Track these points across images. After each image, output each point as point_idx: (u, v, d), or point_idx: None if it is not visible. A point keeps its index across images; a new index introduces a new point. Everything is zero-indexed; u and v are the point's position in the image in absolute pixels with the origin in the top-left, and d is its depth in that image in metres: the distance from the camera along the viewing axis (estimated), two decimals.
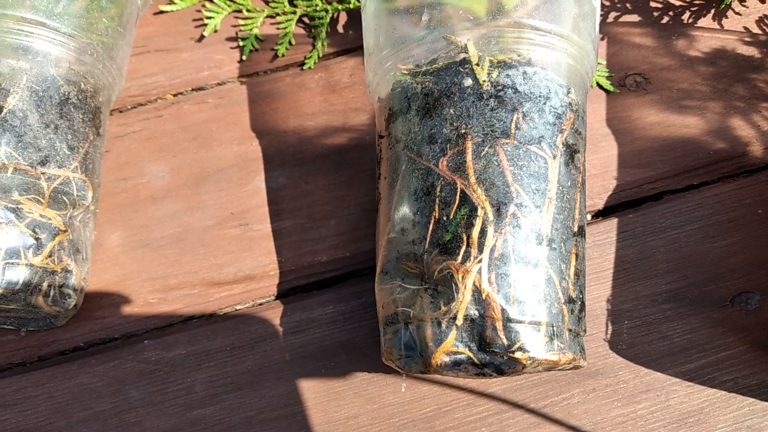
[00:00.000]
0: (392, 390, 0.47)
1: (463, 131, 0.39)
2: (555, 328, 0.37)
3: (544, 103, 0.39)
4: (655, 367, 0.47)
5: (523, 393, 0.46)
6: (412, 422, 0.46)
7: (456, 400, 0.46)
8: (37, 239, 0.43)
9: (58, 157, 0.45)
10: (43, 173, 0.44)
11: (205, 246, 0.52)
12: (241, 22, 0.60)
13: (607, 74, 0.56)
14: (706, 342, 0.47)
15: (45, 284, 0.44)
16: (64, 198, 0.45)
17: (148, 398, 0.48)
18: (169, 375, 0.48)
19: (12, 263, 0.42)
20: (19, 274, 0.42)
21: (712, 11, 0.58)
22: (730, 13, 0.58)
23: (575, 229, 0.39)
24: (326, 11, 0.59)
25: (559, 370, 0.39)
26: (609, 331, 0.48)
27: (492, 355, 0.37)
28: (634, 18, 0.58)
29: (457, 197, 0.38)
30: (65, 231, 0.45)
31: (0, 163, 0.42)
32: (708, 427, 0.45)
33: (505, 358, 0.37)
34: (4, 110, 0.43)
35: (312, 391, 0.47)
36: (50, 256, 0.44)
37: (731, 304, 0.48)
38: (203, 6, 0.61)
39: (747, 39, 0.57)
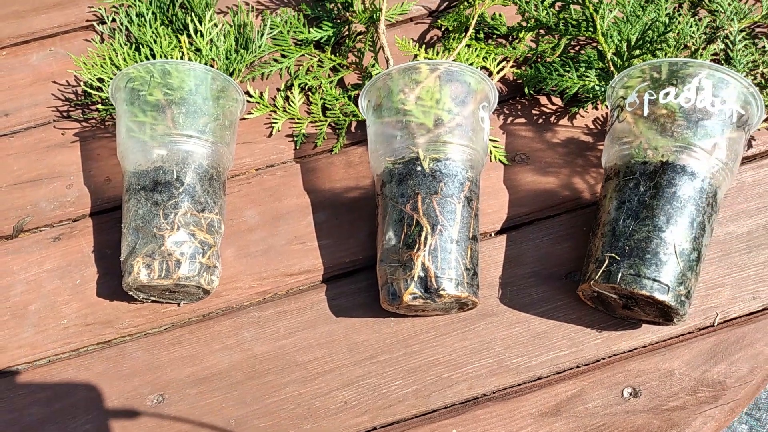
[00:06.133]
0: (386, 325, 0.82)
1: (416, 191, 0.77)
2: (459, 281, 0.75)
3: (455, 178, 0.78)
4: (523, 311, 0.82)
5: (453, 325, 0.83)
6: (397, 342, 0.82)
7: (420, 330, 0.83)
8: (202, 250, 0.83)
9: (209, 206, 0.84)
10: (202, 215, 0.84)
11: (281, 255, 0.88)
12: (294, 125, 0.96)
13: (504, 153, 0.95)
14: (551, 297, 0.82)
15: (208, 274, 0.83)
16: (212, 229, 0.84)
17: (255, 337, 0.84)
18: (266, 324, 0.84)
19: (193, 261, 0.82)
20: (196, 267, 0.82)
21: (568, 116, 0.97)
22: (578, 116, 0.95)
23: (471, 236, 0.78)
24: (344, 120, 0.99)
25: (463, 304, 0.78)
26: (499, 294, 0.84)
27: (430, 293, 0.74)
28: (523, 120, 0.97)
29: (414, 222, 0.77)
30: (214, 246, 0.84)
31: (184, 211, 0.83)
32: (549, 340, 0.81)
33: (436, 294, 0.75)
34: (185, 184, 0.83)
35: (343, 329, 0.83)
36: (209, 258, 0.83)
37: (566, 278, 0.85)
38: (270, 115, 1.00)
39: (586, 131, 0.96)
